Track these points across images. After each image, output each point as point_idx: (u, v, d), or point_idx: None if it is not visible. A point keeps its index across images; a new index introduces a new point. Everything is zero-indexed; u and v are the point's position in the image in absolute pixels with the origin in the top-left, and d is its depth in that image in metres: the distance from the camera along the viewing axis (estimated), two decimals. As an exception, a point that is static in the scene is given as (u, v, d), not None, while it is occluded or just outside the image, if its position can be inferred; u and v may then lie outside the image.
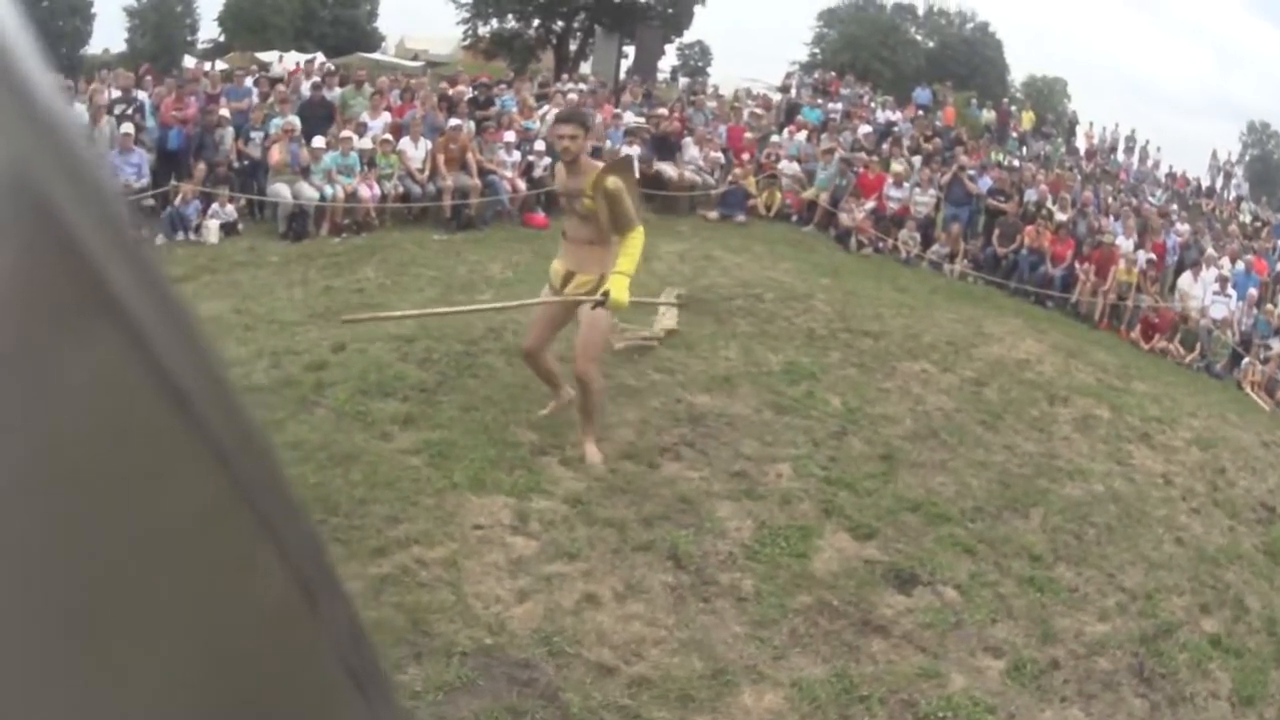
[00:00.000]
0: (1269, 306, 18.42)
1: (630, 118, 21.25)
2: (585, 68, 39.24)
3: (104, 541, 0.54)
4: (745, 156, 21.04)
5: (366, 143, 17.19)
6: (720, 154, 20.79)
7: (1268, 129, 58.00)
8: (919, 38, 52.35)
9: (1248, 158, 53.48)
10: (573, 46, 42.69)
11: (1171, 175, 36.14)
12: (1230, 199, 35.05)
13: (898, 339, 11.93)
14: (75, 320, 0.49)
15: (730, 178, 20.00)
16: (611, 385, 8.18)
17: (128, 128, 15.73)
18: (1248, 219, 28.62)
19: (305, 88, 19.64)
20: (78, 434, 0.51)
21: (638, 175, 18.28)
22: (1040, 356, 12.54)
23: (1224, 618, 7.13)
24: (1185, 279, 19.33)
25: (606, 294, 7.00)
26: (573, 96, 22.40)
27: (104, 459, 0.53)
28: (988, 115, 34.68)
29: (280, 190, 15.83)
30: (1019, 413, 10.20)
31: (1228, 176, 38.35)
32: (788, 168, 21.08)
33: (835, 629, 5.99)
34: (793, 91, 32.25)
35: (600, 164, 7.46)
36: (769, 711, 5.28)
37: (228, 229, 15.34)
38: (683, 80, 40.31)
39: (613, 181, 7.05)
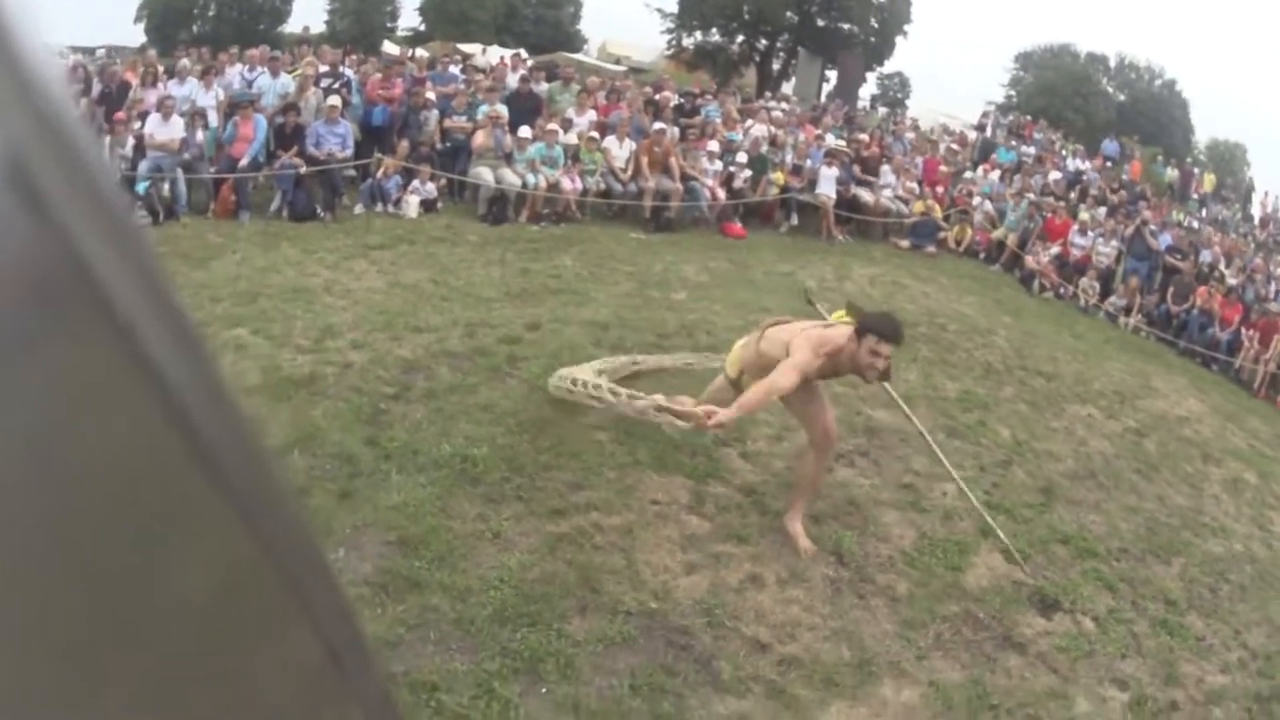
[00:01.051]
0: None
1: (831, 139, 21.36)
2: (787, 88, 39.41)
3: (105, 580, 0.54)
4: (939, 189, 21.13)
5: (572, 138, 17.54)
6: (915, 184, 20.78)
7: None
8: (1110, 90, 51.52)
9: None
10: (775, 66, 42.87)
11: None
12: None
13: (1069, 382, 11.94)
14: (64, 316, 0.49)
15: (924, 208, 20.02)
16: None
17: (334, 100, 16.18)
18: None
19: (512, 79, 19.76)
20: (67, 436, 0.50)
21: (833, 196, 18.71)
22: (1200, 416, 12.44)
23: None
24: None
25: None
26: (778, 114, 22.59)
27: (98, 472, 0.52)
28: (1171, 174, 34.32)
29: (483, 173, 16.16)
30: (1173, 466, 10.20)
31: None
32: (980, 205, 21.17)
33: (977, 640, 6.23)
34: (988, 131, 32.08)
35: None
36: (905, 706, 5.54)
37: (427, 206, 15.80)
38: (881, 110, 40.25)
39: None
